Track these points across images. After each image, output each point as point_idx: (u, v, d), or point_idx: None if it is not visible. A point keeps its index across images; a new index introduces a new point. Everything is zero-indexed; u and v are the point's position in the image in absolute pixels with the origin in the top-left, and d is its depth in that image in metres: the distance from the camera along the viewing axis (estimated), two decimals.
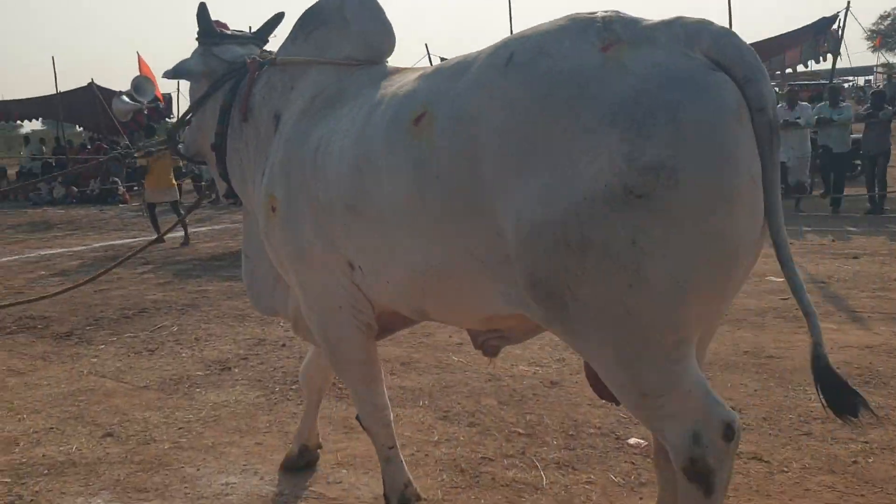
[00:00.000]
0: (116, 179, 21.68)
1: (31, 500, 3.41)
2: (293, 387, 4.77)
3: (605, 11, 2.10)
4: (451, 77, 2.31)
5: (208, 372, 5.21)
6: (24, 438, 4.14)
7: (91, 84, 21.94)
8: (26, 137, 30.16)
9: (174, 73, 3.44)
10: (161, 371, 5.26)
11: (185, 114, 3.55)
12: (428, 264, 2.36)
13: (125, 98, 17.54)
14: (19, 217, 17.29)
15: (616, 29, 2.03)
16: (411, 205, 2.32)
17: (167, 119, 23.43)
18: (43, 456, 3.89)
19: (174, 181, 12.20)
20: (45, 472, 3.69)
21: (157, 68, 20.28)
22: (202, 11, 3.41)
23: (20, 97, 25.38)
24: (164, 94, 22.29)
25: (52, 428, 4.28)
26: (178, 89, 23.00)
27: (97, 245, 12.29)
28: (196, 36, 3.46)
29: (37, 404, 4.68)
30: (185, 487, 3.50)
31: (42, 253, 11.46)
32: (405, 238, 2.39)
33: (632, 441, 3.74)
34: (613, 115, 1.91)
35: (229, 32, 3.52)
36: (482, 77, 2.18)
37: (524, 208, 2.03)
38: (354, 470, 3.61)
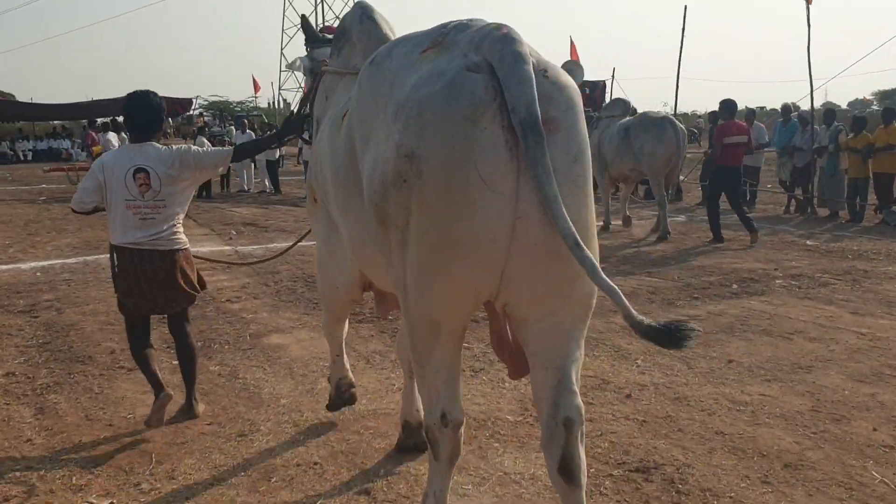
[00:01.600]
0: None
1: None
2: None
3: (472, 18, 2.34)
4: None
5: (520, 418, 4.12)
6: (281, 472, 3.50)
7: None
8: None
9: (290, 66, 4.33)
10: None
11: (301, 106, 4.06)
12: (350, 238, 2.94)
13: None
14: None
15: (448, 34, 2.29)
16: (333, 188, 2.92)
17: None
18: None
19: None
20: None
21: (588, 56, 19.76)
22: (303, 21, 4.17)
23: None
24: (593, 81, 21.74)
25: (317, 464, 3.58)
26: (613, 76, 22.23)
27: None
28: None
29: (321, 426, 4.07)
30: None
31: None
32: (337, 215, 3.02)
33: None
34: (398, 110, 2.22)
35: (329, 37, 3.93)
36: (359, 75, 2.68)
37: (366, 189, 2.43)
38: None
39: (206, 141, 18.91)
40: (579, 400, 2.31)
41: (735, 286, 7.39)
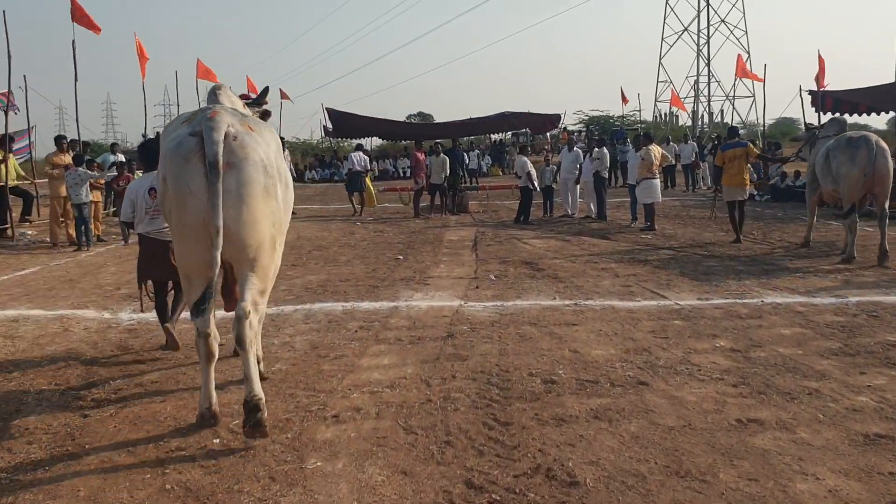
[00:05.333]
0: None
1: None
2: None
3: (214, 105, 4.56)
4: None
5: None
6: None
7: None
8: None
9: None
10: None
11: None
12: None
13: None
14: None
15: (197, 114, 4.29)
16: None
17: None
18: None
19: (748, 180, 12.54)
20: None
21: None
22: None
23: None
24: None
25: None
26: None
27: None
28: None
29: None
30: None
31: None
32: None
33: None
34: (163, 154, 4.33)
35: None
36: None
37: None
38: None
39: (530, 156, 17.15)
40: (246, 305, 4.13)
41: None
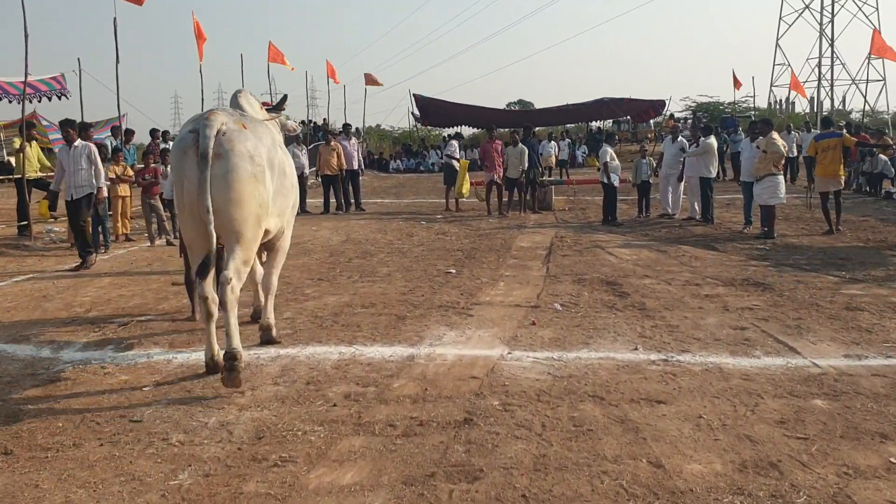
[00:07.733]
0: None
1: None
2: None
3: (217, 108, 5.49)
4: None
5: None
6: None
7: None
8: None
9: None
10: None
11: None
12: None
13: None
14: None
15: (203, 115, 4.94)
16: None
17: None
18: None
19: (842, 172, 12.24)
20: None
21: None
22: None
23: None
24: None
25: None
26: None
27: None
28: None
29: None
30: None
31: None
32: None
33: None
34: (171, 149, 5.53)
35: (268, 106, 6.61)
36: None
37: None
38: None
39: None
40: (229, 273, 4.76)
41: None
